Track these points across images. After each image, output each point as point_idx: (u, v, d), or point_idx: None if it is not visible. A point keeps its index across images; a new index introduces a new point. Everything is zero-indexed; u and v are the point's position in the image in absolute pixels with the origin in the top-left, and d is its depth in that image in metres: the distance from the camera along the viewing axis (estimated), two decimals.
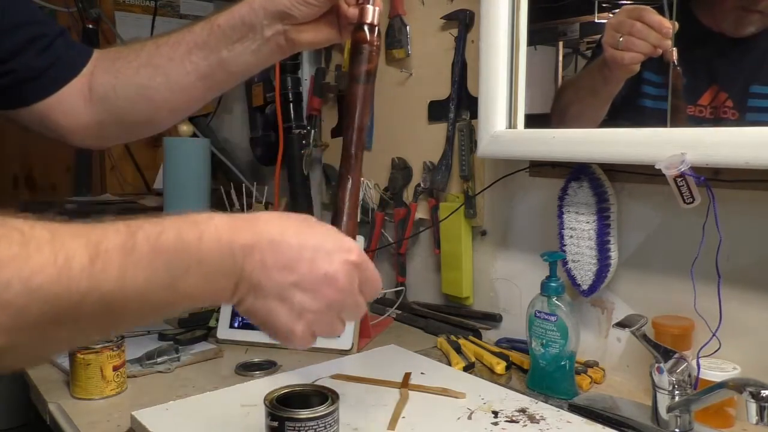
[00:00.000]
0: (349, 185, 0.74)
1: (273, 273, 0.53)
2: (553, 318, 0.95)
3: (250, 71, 0.81)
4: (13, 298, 0.41)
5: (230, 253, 0.51)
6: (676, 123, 0.93)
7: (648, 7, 0.94)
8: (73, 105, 0.84)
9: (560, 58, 1.16)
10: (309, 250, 0.55)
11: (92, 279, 0.44)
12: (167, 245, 0.48)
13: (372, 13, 0.74)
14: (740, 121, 0.91)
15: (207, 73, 0.79)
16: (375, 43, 0.73)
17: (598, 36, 1.06)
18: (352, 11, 0.75)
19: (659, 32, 0.93)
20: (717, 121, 0.92)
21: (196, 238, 0.50)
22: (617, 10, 1.04)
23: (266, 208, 1.63)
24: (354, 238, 0.71)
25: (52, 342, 0.46)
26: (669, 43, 0.93)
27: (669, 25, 0.93)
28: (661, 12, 0.94)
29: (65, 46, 0.84)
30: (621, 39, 0.95)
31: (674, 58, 0.94)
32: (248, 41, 0.77)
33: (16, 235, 0.42)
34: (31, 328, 0.43)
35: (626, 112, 1.02)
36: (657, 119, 0.97)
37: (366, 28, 0.73)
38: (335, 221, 0.71)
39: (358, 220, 1.48)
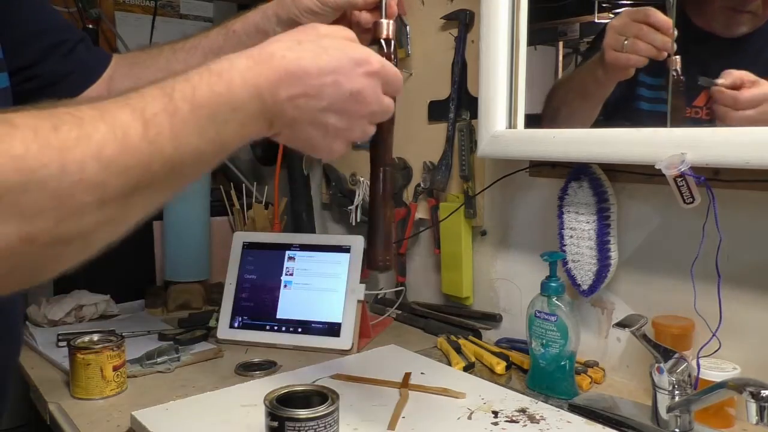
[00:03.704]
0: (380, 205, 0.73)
1: (301, 104, 0.55)
2: (553, 318, 0.95)
3: None
4: (91, 176, 0.43)
5: (258, 96, 0.53)
6: (675, 124, 0.93)
7: (652, 8, 0.94)
8: None
9: (560, 58, 1.15)
10: (329, 73, 0.56)
11: (152, 145, 0.46)
12: (204, 101, 0.50)
13: (386, 28, 0.73)
14: None
15: None
16: (391, 60, 0.72)
17: (593, 36, 1.06)
18: (365, 17, 0.75)
19: (666, 34, 0.92)
20: (713, 121, 0.92)
21: (225, 89, 0.51)
22: (618, 11, 1.03)
23: (266, 208, 1.63)
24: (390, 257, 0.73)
25: (133, 211, 0.49)
26: (672, 45, 0.93)
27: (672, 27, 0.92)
28: (663, 12, 0.94)
29: (86, 51, 0.87)
30: (626, 42, 0.94)
31: (678, 65, 0.93)
32: None
33: (69, 118, 0.44)
34: (113, 202, 0.45)
35: (621, 114, 1.02)
36: (654, 122, 0.96)
37: (383, 43, 0.72)
38: (371, 243, 0.73)
39: (359, 220, 1.48)
